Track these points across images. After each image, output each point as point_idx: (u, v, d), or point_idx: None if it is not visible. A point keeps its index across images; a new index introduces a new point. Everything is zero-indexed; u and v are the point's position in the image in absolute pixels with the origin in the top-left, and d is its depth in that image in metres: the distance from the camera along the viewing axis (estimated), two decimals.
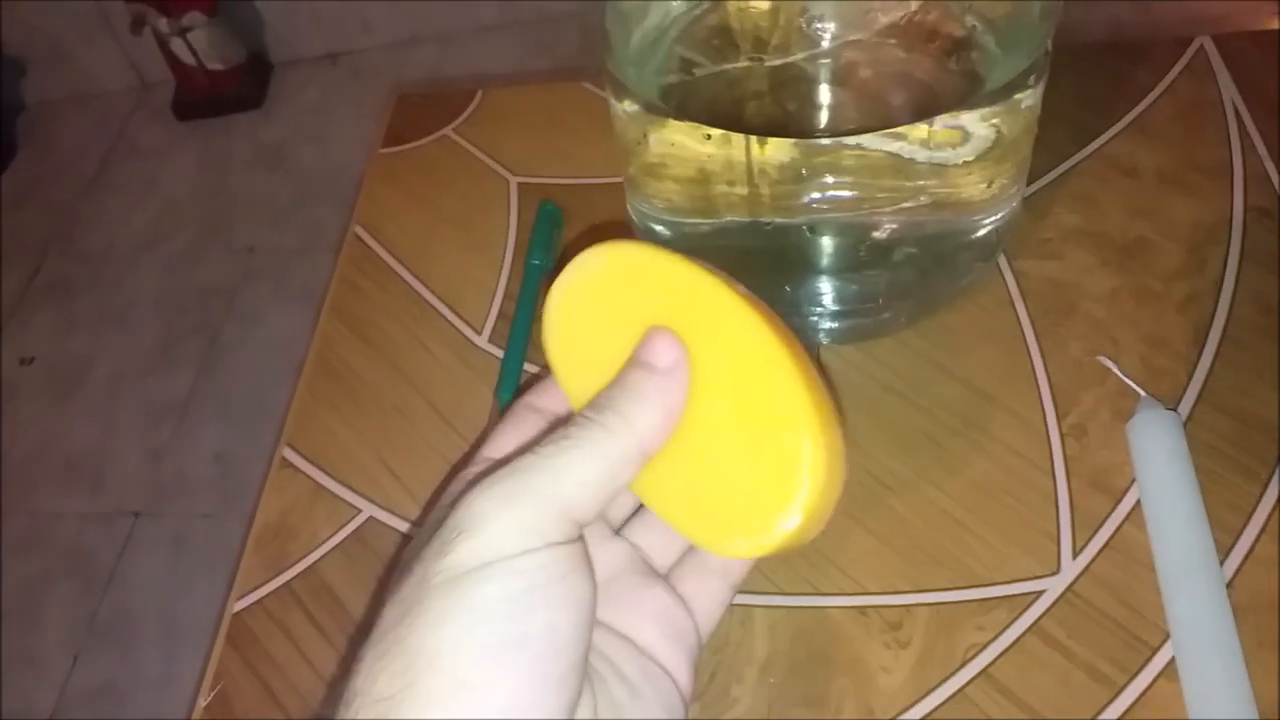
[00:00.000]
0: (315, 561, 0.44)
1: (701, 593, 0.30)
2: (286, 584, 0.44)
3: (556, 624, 0.23)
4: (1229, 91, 0.52)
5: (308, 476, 0.47)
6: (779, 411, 0.25)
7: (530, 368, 0.48)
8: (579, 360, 0.29)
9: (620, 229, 0.51)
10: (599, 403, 0.26)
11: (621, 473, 0.25)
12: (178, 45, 1.73)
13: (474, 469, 0.28)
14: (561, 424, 0.26)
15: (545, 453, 0.24)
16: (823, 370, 0.26)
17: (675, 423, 0.26)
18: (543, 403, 0.31)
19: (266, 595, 0.44)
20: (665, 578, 0.30)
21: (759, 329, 0.25)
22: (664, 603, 0.29)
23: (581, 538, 0.24)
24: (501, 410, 0.46)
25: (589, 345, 0.28)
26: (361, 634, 0.41)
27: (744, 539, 0.25)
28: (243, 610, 0.44)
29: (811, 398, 0.25)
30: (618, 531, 0.31)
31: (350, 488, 0.46)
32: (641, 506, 0.31)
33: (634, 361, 0.26)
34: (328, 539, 0.45)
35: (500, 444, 0.30)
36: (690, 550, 0.30)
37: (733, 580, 0.30)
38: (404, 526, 0.45)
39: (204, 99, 1.81)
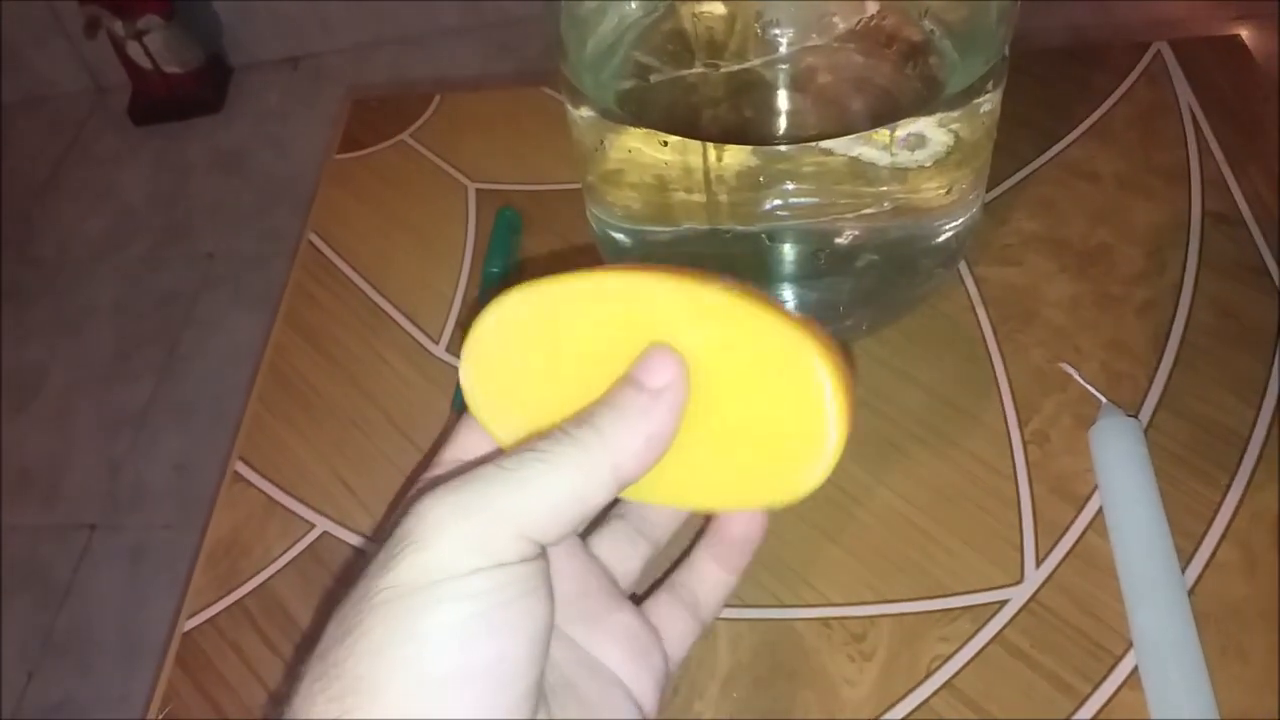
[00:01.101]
0: (268, 579, 0.43)
1: (671, 622, 0.29)
2: (238, 602, 0.43)
3: (506, 653, 0.21)
4: (1186, 96, 0.52)
5: (260, 491, 0.46)
6: (775, 353, 0.23)
7: None
8: (515, 410, 0.26)
9: (580, 236, 0.50)
10: (580, 417, 0.23)
11: (591, 495, 0.23)
12: (134, 48, 1.70)
13: (433, 472, 0.27)
14: (535, 435, 0.24)
15: (508, 464, 0.22)
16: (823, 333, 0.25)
17: (660, 450, 0.24)
18: None
19: (218, 614, 0.43)
20: (638, 604, 0.29)
21: (709, 294, 0.23)
22: (633, 625, 0.27)
23: (543, 555, 0.23)
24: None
25: (521, 398, 0.26)
26: (306, 646, 0.40)
27: (795, 476, 0.24)
28: (193, 629, 0.42)
29: (798, 326, 0.23)
30: (585, 537, 0.29)
31: (304, 502, 0.45)
32: (610, 516, 0.30)
33: (625, 378, 0.24)
34: (280, 555, 0.44)
35: (464, 444, 0.28)
36: (665, 580, 0.29)
37: (702, 617, 0.29)
38: (359, 541, 0.44)
39: (161, 103, 1.78)
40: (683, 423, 0.24)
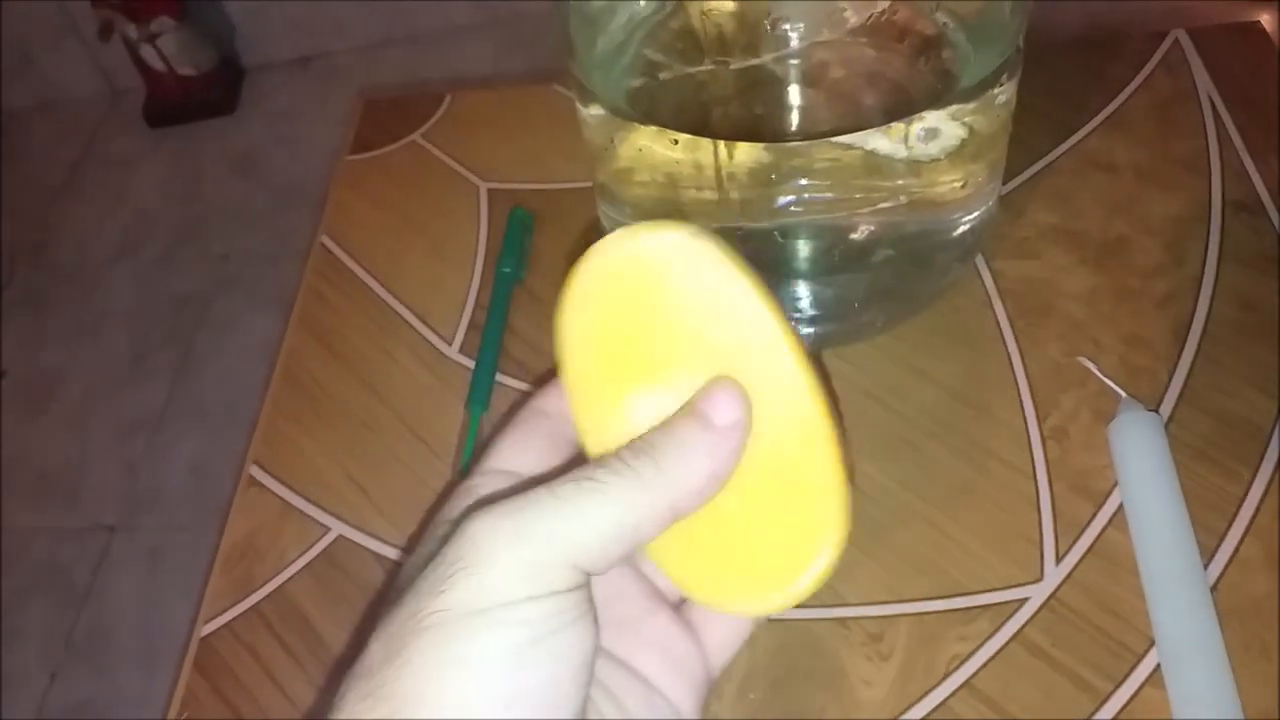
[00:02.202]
0: (283, 583, 0.43)
1: (715, 623, 0.28)
2: (254, 606, 0.43)
3: (557, 679, 0.21)
4: (1204, 85, 0.51)
5: (275, 495, 0.46)
6: (807, 464, 0.23)
7: (502, 379, 0.47)
8: (593, 365, 0.26)
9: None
10: (639, 446, 0.23)
11: (645, 530, 0.22)
12: (147, 51, 1.71)
13: (477, 480, 0.26)
14: (585, 459, 0.23)
15: (564, 492, 0.22)
16: (826, 376, 0.25)
17: (717, 488, 0.23)
18: (553, 405, 0.28)
19: (234, 618, 0.43)
20: (676, 605, 0.28)
21: (797, 375, 0.23)
22: (669, 632, 0.27)
23: (588, 583, 0.23)
24: (473, 423, 0.45)
25: (606, 348, 0.25)
26: (341, 663, 0.40)
27: (771, 592, 0.24)
28: (210, 634, 0.43)
29: (838, 452, 0.23)
30: None
31: (319, 506, 0.45)
32: None
33: (690, 409, 0.23)
34: (296, 559, 0.44)
35: (506, 454, 0.27)
36: None
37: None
38: (373, 545, 0.43)
39: (175, 105, 1.79)
40: None
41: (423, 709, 0.20)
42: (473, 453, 0.45)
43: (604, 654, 0.26)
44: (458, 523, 0.22)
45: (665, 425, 0.24)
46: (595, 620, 0.23)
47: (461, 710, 0.20)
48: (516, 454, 0.27)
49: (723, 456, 0.23)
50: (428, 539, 0.25)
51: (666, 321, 0.24)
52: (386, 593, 0.25)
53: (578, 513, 0.22)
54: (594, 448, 0.26)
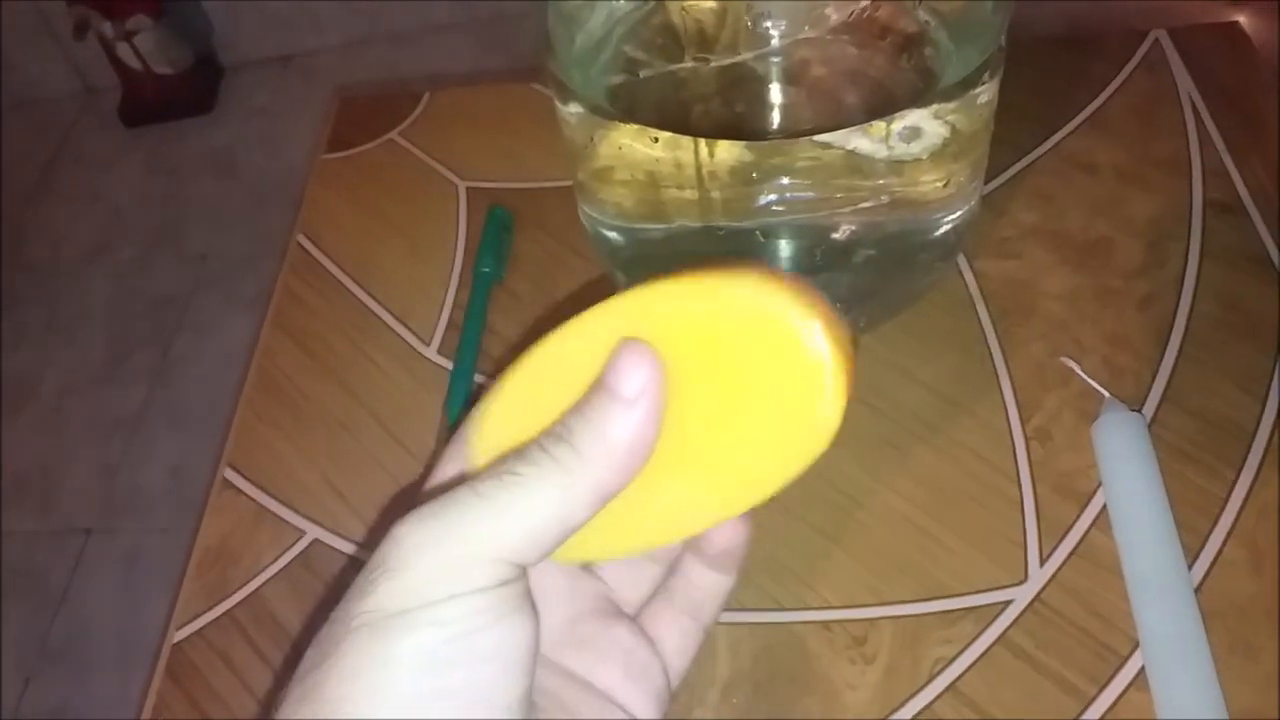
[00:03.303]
0: (258, 588, 0.43)
1: (671, 632, 0.28)
2: (228, 612, 0.42)
3: (479, 679, 0.21)
4: (1185, 85, 0.51)
5: (249, 498, 0.45)
6: (746, 319, 0.22)
7: (481, 380, 0.47)
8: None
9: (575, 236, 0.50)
10: (555, 432, 0.22)
11: (572, 515, 0.22)
12: (123, 49, 1.69)
13: (427, 486, 0.26)
14: (512, 455, 0.22)
15: (484, 489, 0.22)
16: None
17: (644, 456, 0.22)
18: None
19: (207, 624, 0.42)
20: (634, 618, 0.28)
21: (660, 287, 0.22)
22: (628, 644, 0.27)
23: (523, 574, 0.22)
24: (451, 425, 0.45)
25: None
26: (289, 666, 0.39)
27: (796, 447, 0.22)
28: (183, 640, 0.42)
29: (763, 281, 0.21)
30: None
31: (294, 509, 0.44)
32: None
33: (598, 384, 0.23)
34: (271, 564, 0.43)
35: (446, 470, 0.27)
36: (660, 589, 0.28)
37: (704, 621, 0.28)
38: (350, 549, 0.43)
39: (152, 104, 1.77)
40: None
41: (347, 708, 0.20)
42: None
43: (564, 673, 0.26)
44: (391, 528, 0.22)
45: (577, 406, 0.23)
46: (532, 615, 0.22)
47: (384, 710, 0.20)
48: (453, 471, 0.26)
49: (637, 426, 0.22)
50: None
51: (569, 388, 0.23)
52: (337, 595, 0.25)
53: (500, 508, 0.21)
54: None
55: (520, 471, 0.22)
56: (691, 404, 0.23)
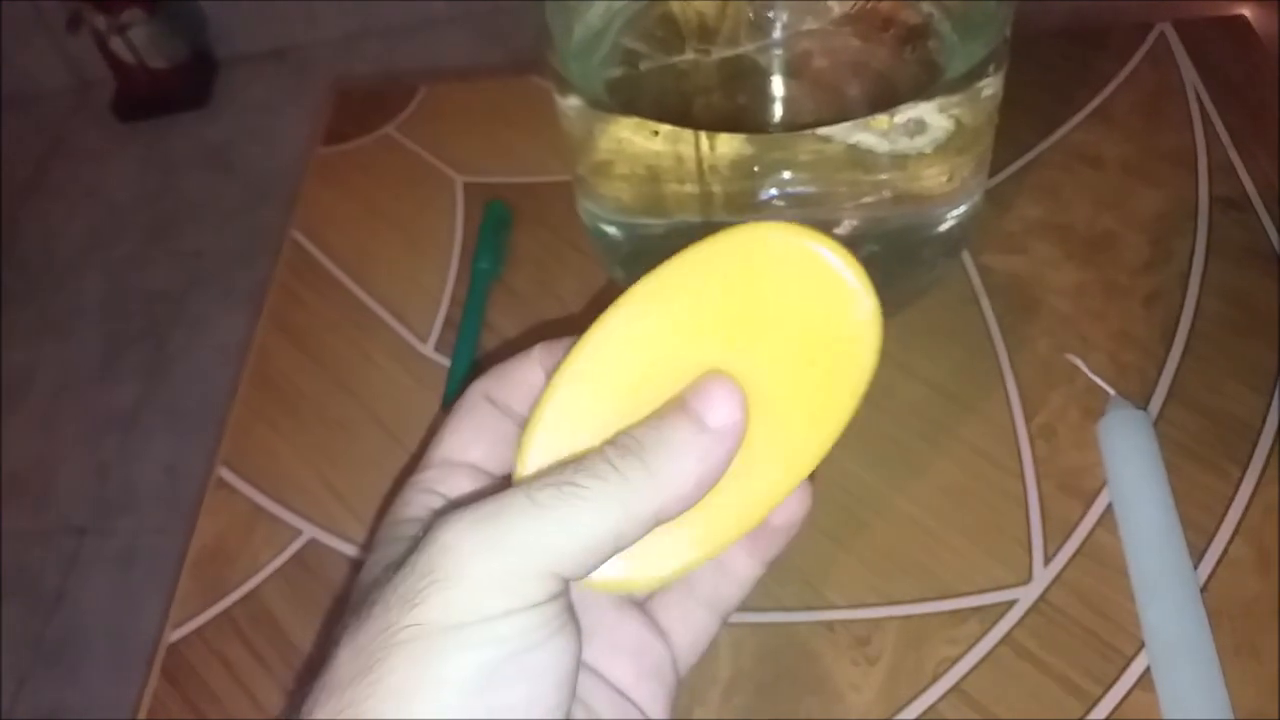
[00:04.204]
0: (255, 587, 0.42)
1: (685, 625, 0.27)
2: (225, 612, 0.42)
3: (536, 696, 0.20)
4: (1190, 78, 0.51)
5: (245, 497, 0.45)
6: (758, 266, 0.23)
7: None
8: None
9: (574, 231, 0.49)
10: (626, 445, 0.21)
11: (630, 535, 0.21)
12: (117, 43, 1.68)
13: (429, 474, 0.25)
14: (572, 463, 0.21)
15: (543, 498, 0.20)
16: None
17: (709, 490, 0.22)
18: (502, 394, 0.26)
19: (204, 624, 0.42)
20: (644, 607, 0.27)
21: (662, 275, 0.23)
22: (641, 637, 0.26)
23: (568, 590, 0.21)
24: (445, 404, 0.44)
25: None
26: (310, 667, 0.39)
27: (842, 385, 0.23)
28: (178, 641, 0.41)
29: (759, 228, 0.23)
30: None
31: (290, 508, 0.44)
32: None
33: (681, 406, 0.22)
34: (267, 563, 0.43)
35: (455, 445, 0.26)
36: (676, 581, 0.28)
37: (722, 610, 0.27)
38: (347, 548, 0.42)
39: (146, 98, 1.76)
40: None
41: None
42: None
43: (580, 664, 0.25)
44: (429, 527, 0.21)
45: (654, 422, 0.22)
46: (577, 630, 0.21)
47: None
48: (466, 445, 0.26)
49: (715, 461, 0.22)
50: (387, 539, 0.24)
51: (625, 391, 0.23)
52: (350, 594, 0.24)
53: (558, 521, 0.20)
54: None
55: (583, 483, 0.21)
56: (743, 373, 0.23)
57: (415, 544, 0.21)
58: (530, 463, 0.24)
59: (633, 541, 0.21)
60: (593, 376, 0.24)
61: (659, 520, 0.22)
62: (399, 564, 0.21)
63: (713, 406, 0.22)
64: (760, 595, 0.38)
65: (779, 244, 0.23)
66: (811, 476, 0.24)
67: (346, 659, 0.20)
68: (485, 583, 0.20)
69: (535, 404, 0.24)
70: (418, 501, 0.25)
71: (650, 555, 0.23)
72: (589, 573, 0.21)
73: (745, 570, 0.27)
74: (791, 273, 0.23)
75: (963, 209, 0.41)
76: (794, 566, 0.38)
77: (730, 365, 0.23)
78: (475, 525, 0.20)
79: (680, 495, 0.22)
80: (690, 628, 0.27)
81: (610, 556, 0.21)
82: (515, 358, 0.26)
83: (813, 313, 0.23)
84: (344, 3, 1.77)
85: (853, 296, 0.23)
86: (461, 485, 0.25)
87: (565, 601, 0.21)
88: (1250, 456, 0.38)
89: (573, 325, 0.25)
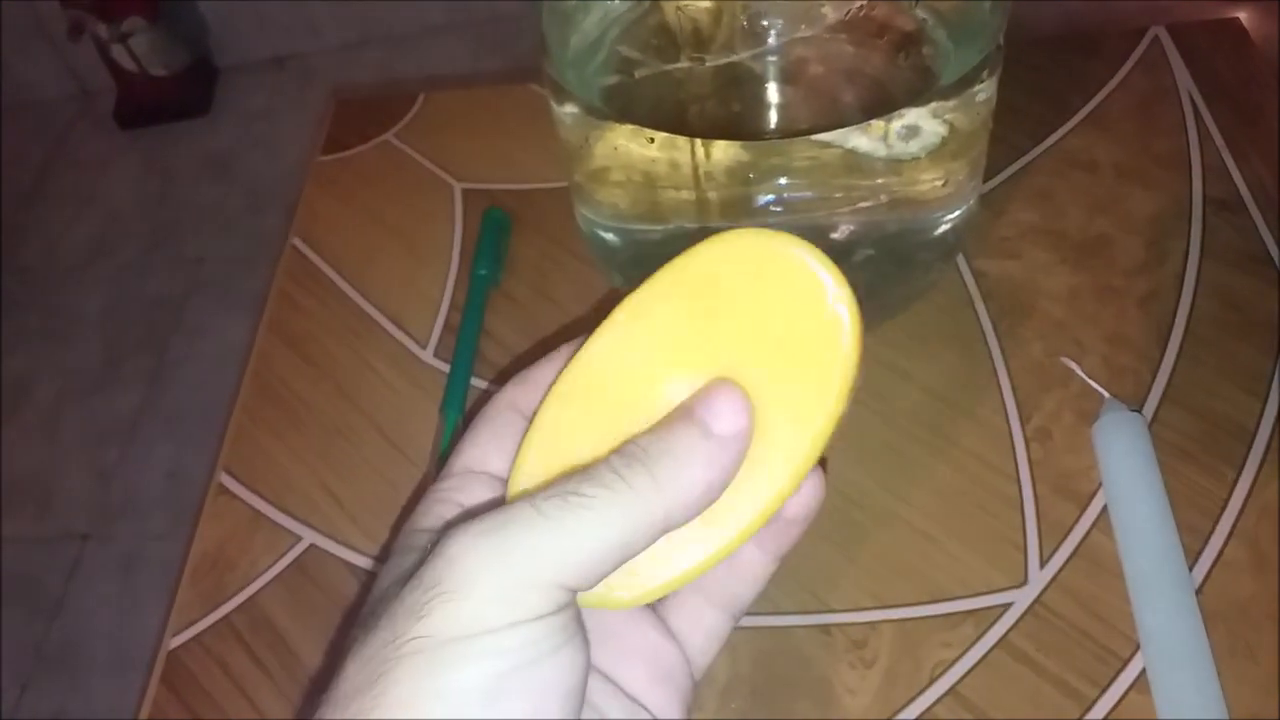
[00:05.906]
0: (254, 594, 0.42)
1: (698, 627, 0.27)
2: (225, 618, 0.42)
3: (542, 708, 0.20)
4: (1184, 82, 0.51)
5: (245, 503, 0.45)
6: (746, 269, 0.23)
7: (478, 383, 0.46)
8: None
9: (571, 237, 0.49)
10: (631, 453, 0.21)
11: (637, 544, 0.21)
12: (118, 51, 1.68)
13: (449, 483, 0.25)
14: (578, 473, 0.21)
15: (549, 509, 0.20)
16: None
17: (715, 499, 0.22)
18: (526, 401, 0.26)
19: (204, 630, 0.42)
20: (655, 610, 0.27)
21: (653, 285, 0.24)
22: (654, 641, 0.26)
23: (574, 601, 0.21)
24: (449, 426, 0.44)
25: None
26: (318, 680, 0.39)
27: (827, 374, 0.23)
28: (179, 647, 0.41)
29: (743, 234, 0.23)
30: None
31: (290, 514, 0.44)
32: None
33: (688, 414, 0.22)
34: (267, 569, 0.43)
35: (477, 455, 0.26)
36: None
37: (735, 609, 0.27)
38: (347, 554, 0.43)
39: (147, 106, 1.76)
40: None
41: None
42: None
43: (592, 670, 0.25)
44: (438, 538, 0.21)
45: (660, 430, 0.22)
46: (585, 641, 0.21)
47: None
48: (488, 454, 0.26)
49: (722, 469, 0.22)
50: (401, 549, 0.24)
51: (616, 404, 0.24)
52: (360, 606, 0.24)
53: (565, 532, 0.20)
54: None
55: (589, 493, 0.21)
56: (732, 378, 0.23)
57: (426, 555, 0.21)
58: (521, 480, 0.24)
59: (640, 551, 0.21)
60: (583, 391, 0.24)
61: (666, 529, 0.21)
62: (408, 575, 0.21)
63: (718, 413, 0.22)
64: (757, 599, 0.38)
65: (753, 250, 0.23)
66: (824, 466, 0.25)
67: (354, 670, 0.20)
68: (490, 595, 0.20)
69: (529, 423, 0.24)
70: (435, 511, 0.25)
71: (652, 564, 0.23)
72: (596, 583, 0.21)
73: (757, 567, 0.27)
74: (768, 276, 0.23)
75: (957, 213, 0.42)
76: (790, 570, 0.38)
77: (719, 372, 0.23)
78: (480, 537, 0.20)
79: (687, 503, 0.21)
80: (702, 629, 0.27)
81: (617, 567, 0.21)
82: (539, 362, 0.26)
83: (791, 312, 0.23)
84: (344, 12, 1.78)
85: (827, 291, 0.23)
86: (480, 495, 0.25)
87: (573, 613, 0.21)
88: (1245, 458, 0.39)
89: (574, 330, 0.26)
